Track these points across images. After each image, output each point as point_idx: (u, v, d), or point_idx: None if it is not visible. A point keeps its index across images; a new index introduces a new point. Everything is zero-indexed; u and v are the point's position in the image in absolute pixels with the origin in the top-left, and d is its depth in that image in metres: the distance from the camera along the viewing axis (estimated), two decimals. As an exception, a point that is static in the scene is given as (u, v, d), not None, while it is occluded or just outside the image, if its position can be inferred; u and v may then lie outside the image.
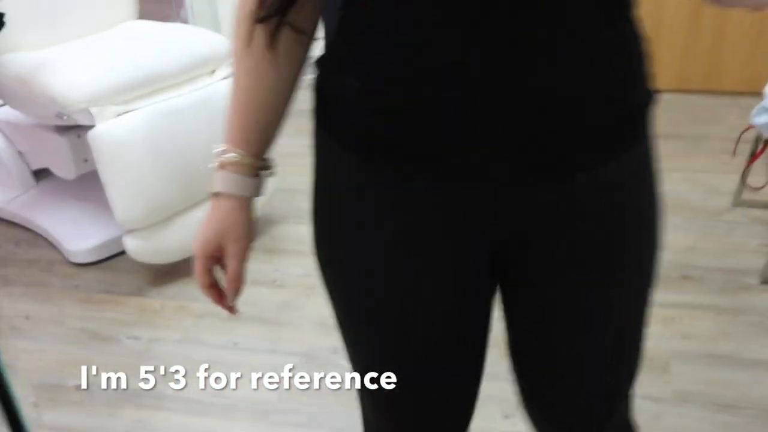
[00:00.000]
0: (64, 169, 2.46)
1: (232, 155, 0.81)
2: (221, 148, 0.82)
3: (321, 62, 0.75)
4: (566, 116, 0.68)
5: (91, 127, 2.08)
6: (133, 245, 2.22)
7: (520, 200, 0.72)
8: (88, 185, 2.54)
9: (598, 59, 0.69)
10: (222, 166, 0.82)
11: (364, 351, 0.88)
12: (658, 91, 0.76)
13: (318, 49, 0.78)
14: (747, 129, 2.39)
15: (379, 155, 0.72)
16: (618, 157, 0.74)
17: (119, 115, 2.10)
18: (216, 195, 0.83)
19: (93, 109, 2.05)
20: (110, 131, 2.07)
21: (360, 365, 0.89)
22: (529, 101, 0.66)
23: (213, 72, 2.35)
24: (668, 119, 3.32)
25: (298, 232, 2.54)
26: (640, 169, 0.78)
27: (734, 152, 2.51)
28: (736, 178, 2.57)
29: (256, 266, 2.34)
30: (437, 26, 0.64)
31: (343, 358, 0.92)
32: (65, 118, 2.14)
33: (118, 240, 2.31)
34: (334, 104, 0.75)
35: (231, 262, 0.85)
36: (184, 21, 3.57)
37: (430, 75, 0.66)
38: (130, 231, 2.21)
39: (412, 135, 0.69)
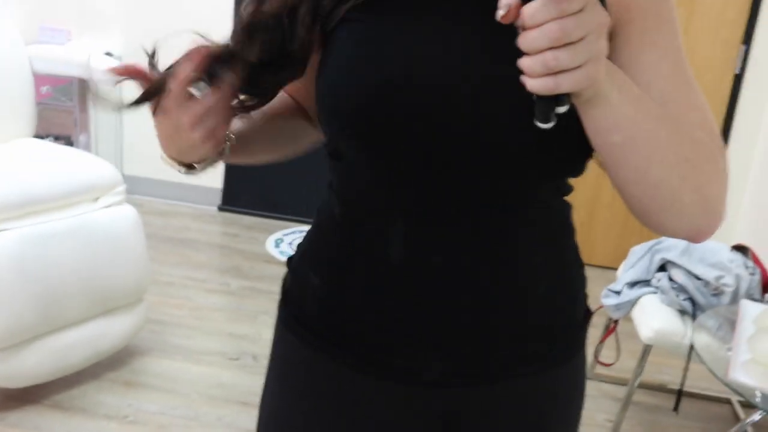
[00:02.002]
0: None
1: None
2: None
3: (291, 261, 0.89)
4: (506, 329, 0.80)
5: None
6: (-18, 366, 2.14)
7: (456, 400, 0.82)
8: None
9: (540, 279, 0.81)
10: None
11: None
12: (590, 312, 0.88)
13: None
14: (598, 309, 2.56)
15: (331, 350, 0.82)
16: (549, 369, 0.84)
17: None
18: None
19: (-39, 226, 2.03)
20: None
21: None
22: (472, 313, 0.78)
23: (96, 199, 2.38)
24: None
25: (161, 366, 2.51)
26: (570, 383, 0.88)
27: (587, 328, 2.67)
28: (590, 351, 2.72)
29: (108, 399, 2.29)
30: (402, 244, 0.77)
31: None
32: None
33: (-32, 358, 2.22)
34: (294, 299, 0.87)
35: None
36: (85, 146, 3.61)
37: (384, 285, 0.78)
38: (-17, 351, 2.14)
39: (363, 333, 0.80)
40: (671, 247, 2.30)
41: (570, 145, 0.71)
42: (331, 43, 0.75)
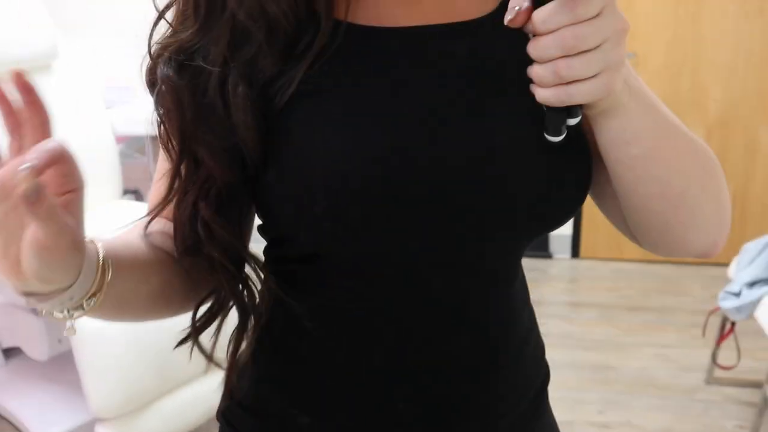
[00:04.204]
0: (37, 350, 2.42)
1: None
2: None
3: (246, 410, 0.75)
4: (505, 412, 0.74)
5: (70, 313, 2.06)
6: (104, 434, 2.16)
7: None
8: (59, 366, 2.49)
9: (527, 346, 0.76)
10: None
11: None
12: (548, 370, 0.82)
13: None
14: (715, 310, 2.46)
15: None
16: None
17: (100, 301, 2.10)
18: None
19: (74, 297, 2.05)
20: (90, 318, 2.06)
21: None
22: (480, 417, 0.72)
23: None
24: (636, 291, 3.41)
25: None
26: None
27: (704, 333, 2.57)
28: (707, 353, 2.62)
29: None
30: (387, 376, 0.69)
31: None
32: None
33: (87, 427, 2.24)
34: None
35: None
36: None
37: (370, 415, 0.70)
38: (103, 419, 2.15)
39: None
40: (792, 242, 2.20)
41: (575, 189, 0.66)
42: (284, 123, 0.61)
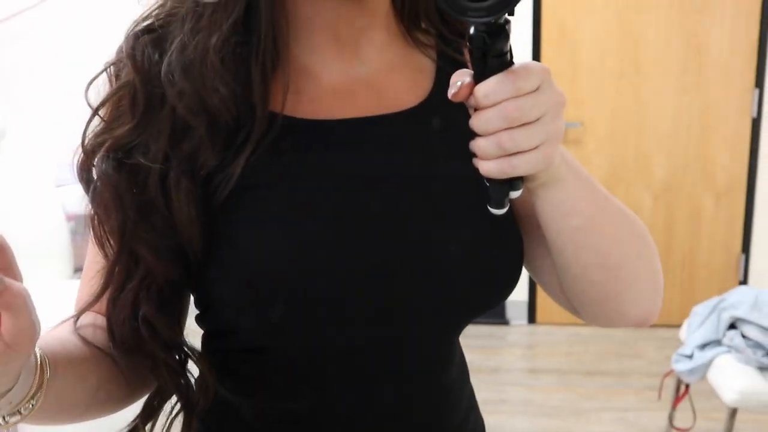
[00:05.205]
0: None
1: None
2: None
3: None
4: None
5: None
6: None
7: None
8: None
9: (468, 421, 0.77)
10: None
11: None
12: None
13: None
14: (669, 373, 2.49)
15: None
16: None
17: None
18: None
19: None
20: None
21: None
22: None
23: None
24: (592, 355, 3.43)
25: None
26: None
27: (659, 396, 2.59)
28: (664, 415, 2.63)
29: None
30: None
31: None
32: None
33: None
34: None
35: None
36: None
37: None
38: None
39: None
40: (738, 304, 2.25)
41: (512, 266, 0.68)
42: (225, 217, 0.61)
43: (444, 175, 0.66)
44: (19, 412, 0.53)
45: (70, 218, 2.92)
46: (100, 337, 0.65)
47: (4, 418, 0.53)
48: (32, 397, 0.53)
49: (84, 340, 0.63)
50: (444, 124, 0.67)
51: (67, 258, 2.72)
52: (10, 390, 0.51)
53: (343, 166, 0.64)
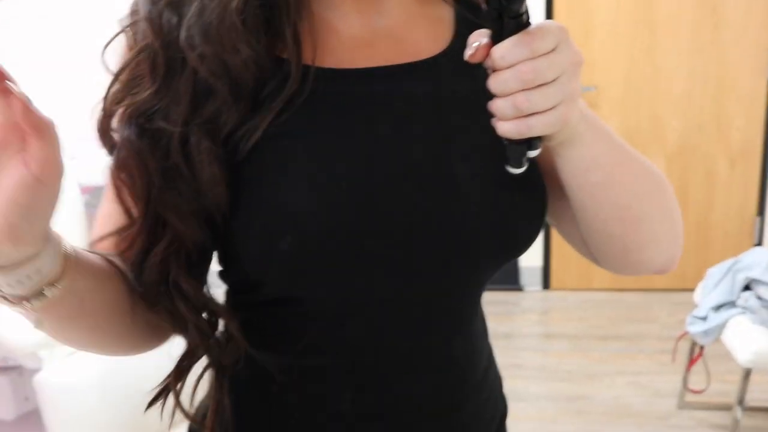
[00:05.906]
0: (3, 408, 2.36)
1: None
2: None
3: None
4: None
5: (36, 369, 2.03)
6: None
7: None
8: (26, 425, 2.44)
9: (486, 382, 0.78)
10: None
11: None
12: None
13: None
14: (683, 335, 2.50)
15: None
16: None
17: (70, 355, 2.07)
18: None
19: (42, 353, 2.02)
20: (59, 375, 2.03)
21: None
22: None
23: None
24: (605, 320, 3.44)
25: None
26: None
27: (673, 359, 2.60)
28: (678, 378, 2.65)
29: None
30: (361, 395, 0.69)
31: None
32: (10, 362, 2.09)
33: (58, 485, 2.18)
34: None
35: None
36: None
37: None
38: (73, 477, 2.10)
39: None
40: (753, 265, 2.25)
41: (534, 218, 0.68)
42: (250, 168, 0.61)
43: (468, 126, 0.66)
44: (42, 294, 0.53)
45: (84, 191, 2.94)
46: (117, 261, 0.64)
47: (29, 300, 0.53)
48: (58, 281, 0.54)
49: (101, 257, 0.62)
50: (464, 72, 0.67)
51: (82, 230, 2.74)
52: (38, 255, 0.51)
53: (368, 114, 0.64)
